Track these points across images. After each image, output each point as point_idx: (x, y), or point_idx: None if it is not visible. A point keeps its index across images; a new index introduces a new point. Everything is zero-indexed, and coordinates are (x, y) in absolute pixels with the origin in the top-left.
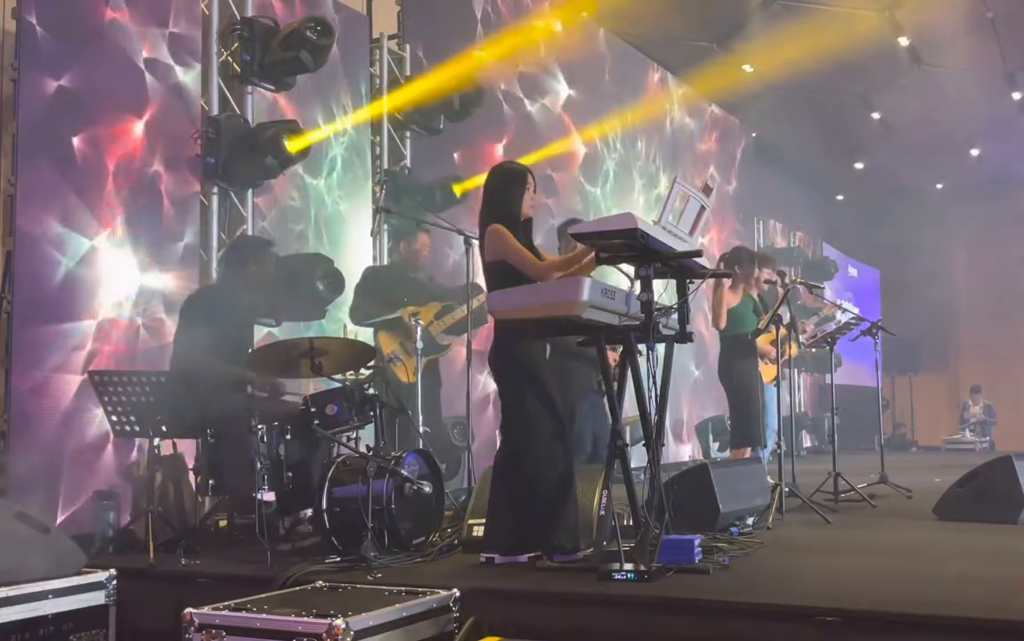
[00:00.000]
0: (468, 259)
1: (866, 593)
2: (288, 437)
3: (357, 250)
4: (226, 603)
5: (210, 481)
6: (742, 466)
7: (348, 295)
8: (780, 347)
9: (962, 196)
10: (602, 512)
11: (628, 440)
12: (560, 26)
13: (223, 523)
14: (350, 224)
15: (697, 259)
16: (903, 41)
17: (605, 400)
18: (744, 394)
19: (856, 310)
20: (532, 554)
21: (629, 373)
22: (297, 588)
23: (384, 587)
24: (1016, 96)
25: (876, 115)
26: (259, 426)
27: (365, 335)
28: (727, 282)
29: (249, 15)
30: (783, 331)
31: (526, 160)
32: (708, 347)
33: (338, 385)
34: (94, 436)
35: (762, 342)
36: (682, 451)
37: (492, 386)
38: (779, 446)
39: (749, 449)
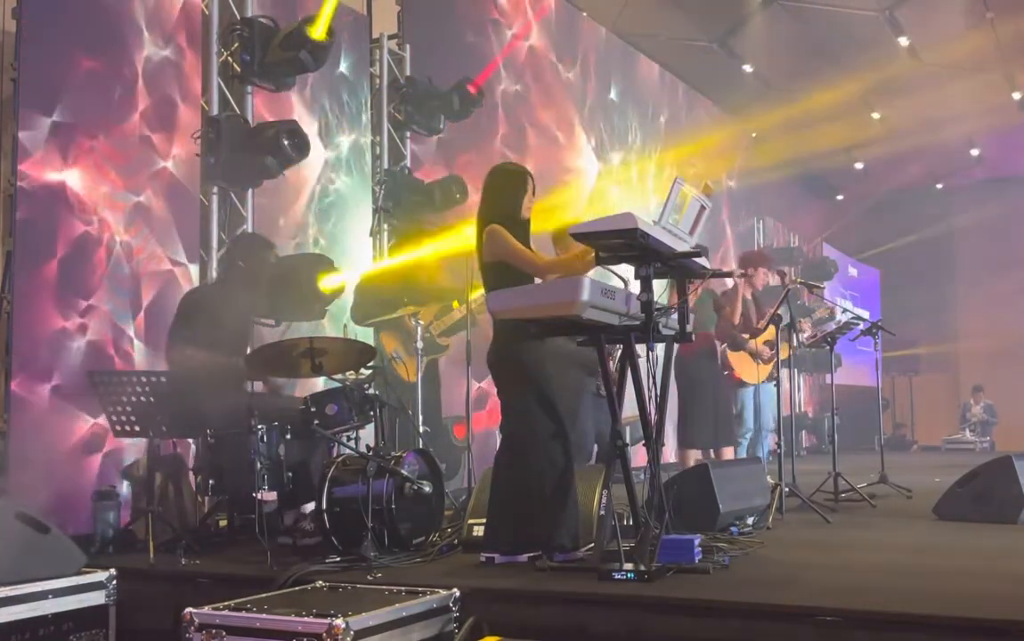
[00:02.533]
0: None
1: (866, 593)
2: (288, 437)
3: (357, 250)
4: (226, 603)
5: (210, 481)
6: (742, 466)
7: (348, 295)
8: (778, 347)
9: (962, 196)
10: (602, 512)
11: (628, 440)
12: (560, 26)
13: (223, 523)
14: (350, 224)
15: (696, 259)
16: (903, 41)
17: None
18: (691, 393)
19: (851, 305)
20: (532, 554)
21: (629, 373)
22: (297, 588)
23: (384, 587)
24: (1016, 96)
25: (876, 115)
26: (259, 426)
27: (365, 335)
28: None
29: (249, 15)
30: (771, 332)
31: (524, 161)
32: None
33: (338, 385)
34: (94, 436)
35: (758, 342)
36: None
37: (492, 386)
38: (779, 446)
39: (691, 452)
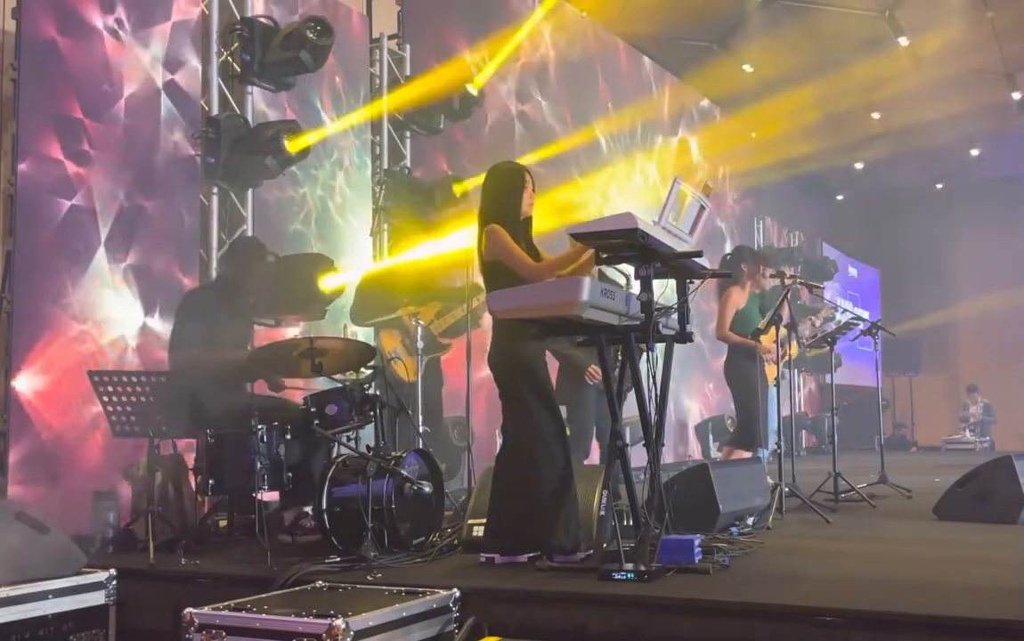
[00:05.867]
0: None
1: (866, 593)
2: (288, 437)
3: (357, 250)
4: (226, 603)
5: (210, 481)
6: (742, 466)
7: (348, 295)
8: (780, 347)
9: (962, 196)
10: (602, 512)
11: (628, 440)
12: (560, 26)
13: (223, 523)
14: (350, 224)
15: (697, 259)
16: (903, 41)
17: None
18: (750, 396)
19: (851, 305)
20: (532, 554)
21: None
22: (297, 588)
23: (384, 587)
24: (1016, 96)
25: (876, 115)
26: (259, 426)
27: (365, 335)
28: (735, 288)
29: (249, 15)
30: (783, 331)
31: (524, 160)
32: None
33: (338, 385)
34: (94, 436)
35: (764, 342)
36: None
37: (493, 385)
38: (779, 446)
39: (743, 451)
